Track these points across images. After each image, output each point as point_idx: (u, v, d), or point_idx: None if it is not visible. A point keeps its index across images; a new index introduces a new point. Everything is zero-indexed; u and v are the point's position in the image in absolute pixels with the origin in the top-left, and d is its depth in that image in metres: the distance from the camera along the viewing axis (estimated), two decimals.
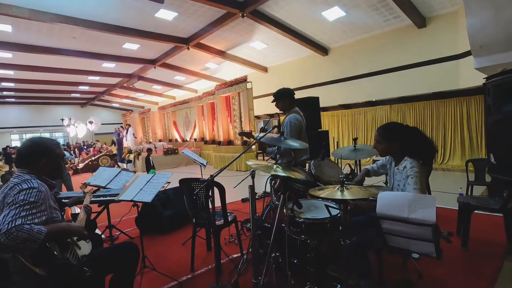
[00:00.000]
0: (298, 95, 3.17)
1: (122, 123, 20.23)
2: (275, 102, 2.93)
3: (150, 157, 8.20)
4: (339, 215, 1.76)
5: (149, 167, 7.78)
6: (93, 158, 12.66)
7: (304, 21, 8.34)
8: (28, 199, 1.33)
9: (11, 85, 14.61)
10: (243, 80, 10.47)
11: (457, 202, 2.86)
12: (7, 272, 1.33)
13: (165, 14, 8.04)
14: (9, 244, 1.18)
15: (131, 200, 2.24)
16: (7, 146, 15.80)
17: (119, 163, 12.30)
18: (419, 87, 7.84)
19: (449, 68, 7.06)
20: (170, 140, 16.57)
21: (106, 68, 12.87)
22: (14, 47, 9.22)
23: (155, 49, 10.96)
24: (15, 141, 21.50)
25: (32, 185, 1.40)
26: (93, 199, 2.70)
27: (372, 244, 1.69)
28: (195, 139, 14.65)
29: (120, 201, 2.48)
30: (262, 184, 2.41)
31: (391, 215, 1.40)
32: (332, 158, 3.39)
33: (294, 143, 2.09)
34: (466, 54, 6.41)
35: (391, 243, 1.51)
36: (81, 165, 12.19)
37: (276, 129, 2.23)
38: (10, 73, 12.37)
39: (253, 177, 2.14)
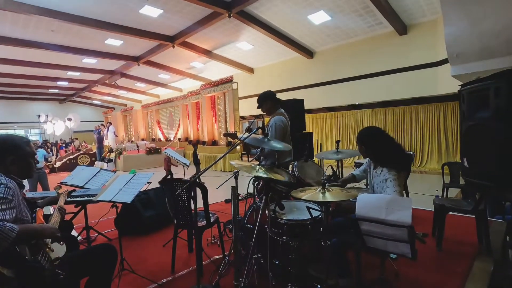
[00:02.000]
0: (283, 97, 3.19)
1: (103, 121, 19.65)
2: (260, 108, 2.94)
3: (197, 152, 8.15)
4: (320, 216, 1.78)
5: (196, 162, 7.75)
6: (71, 157, 12.21)
7: (290, 23, 8.42)
8: None
9: None
10: (229, 80, 10.43)
11: (433, 204, 2.97)
12: None
13: (150, 11, 7.88)
14: None
15: (110, 201, 2.17)
16: None
17: (99, 162, 11.91)
18: (400, 92, 8.10)
19: (428, 74, 7.33)
20: (153, 140, 16.25)
21: (87, 63, 12.45)
22: None
23: (139, 46, 10.73)
24: None
25: (0, 181, 1.33)
26: (69, 199, 2.60)
27: (351, 245, 1.73)
28: (179, 139, 14.44)
29: (98, 201, 2.40)
30: (246, 185, 2.40)
31: (369, 217, 1.44)
32: (316, 160, 3.43)
33: (278, 145, 2.10)
34: (444, 61, 6.69)
35: (370, 244, 1.55)
36: (58, 164, 11.72)
37: (260, 130, 2.23)
38: None
39: (236, 178, 2.13)
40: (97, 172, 3.05)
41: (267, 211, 1.89)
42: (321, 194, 1.50)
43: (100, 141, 12.93)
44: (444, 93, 7.11)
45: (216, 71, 12.96)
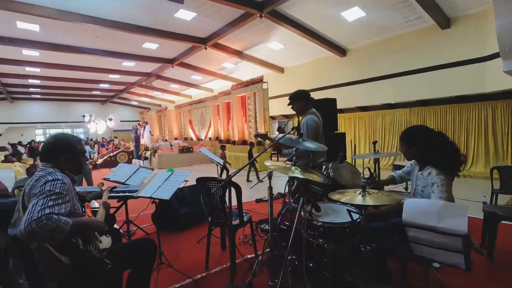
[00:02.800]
0: (314, 96, 3.12)
1: (139, 121, 20.75)
2: (291, 105, 2.90)
3: (252, 151, 8.56)
4: (358, 220, 1.72)
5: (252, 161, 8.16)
6: (111, 154, 13.03)
7: (322, 21, 8.25)
8: (53, 189, 1.38)
9: (37, 82, 15.25)
10: (259, 80, 10.48)
11: (482, 211, 2.73)
12: (33, 264, 1.38)
13: (184, 14, 8.15)
14: (39, 232, 1.22)
15: (150, 197, 2.28)
16: (32, 141, 16.51)
17: (136, 160, 12.59)
18: (441, 90, 7.58)
19: (474, 70, 6.77)
20: (186, 139, 16.81)
21: (126, 66, 13.20)
22: (41, 45, 9.62)
23: (173, 49, 11.15)
24: (39, 135, 22.46)
25: (56, 177, 1.45)
26: (112, 194, 2.77)
27: (393, 251, 1.64)
28: (210, 138, 14.79)
29: (138, 197, 2.53)
30: (277, 185, 2.39)
31: (418, 223, 1.35)
32: (350, 160, 3.32)
33: (312, 145, 2.07)
34: (494, 56, 6.14)
35: (416, 251, 1.46)
36: (100, 160, 12.57)
37: (294, 131, 2.20)
38: (36, 70, 12.92)
39: (270, 178, 2.13)
40: (137, 170, 3.22)
41: (302, 213, 1.86)
42: (361, 197, 1.44)
43: (137, 139, 13.65)
44: (493, 90, 6.51)
45: (246, 71, 13.09)
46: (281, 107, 12.53)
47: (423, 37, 7.73)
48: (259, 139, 10.77)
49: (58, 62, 11.85)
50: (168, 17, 8.23)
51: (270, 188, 1.79)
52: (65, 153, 1.60)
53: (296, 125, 2.45)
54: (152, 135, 15.14)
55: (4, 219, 1.61)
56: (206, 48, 10.23)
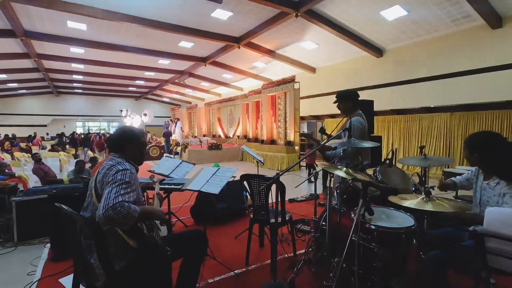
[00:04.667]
0: None
1: (170, 117, 21.47)
2: (337, 103, 2.86)
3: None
4: (414, 226, 1.66)
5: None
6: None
7: (360, 20, 8.03)
8: (124, 179, 1.48)
9: (80, 77, 16.33)
10: (291, 80, 10.42)
11: None
12: (105, 245, 1.49)
13: (221, 14, 8.30)
14: (114, 217, 1.33)
15: (198, 190, 2.36)
16: (74, 132, 17.70)
17: (167, 154, 13.06)
18: (488, 94, 7.08)
19: None
20: (214, 136, 17.14)
21: (161, 64, 13.72)
22: (86, 43, 10.27)
23: (207, 48, 11.39)
24: (79, 127, 24.02)
25: (125, 167, 1.55)
26: (161, 186, 2.91)
27: (461, 261, 1.55)
28: (238, 136, 14.97)
29: (184, 190, 2.63)
30: (306, 186, 2.36)
31: (504, 234, 1.27)
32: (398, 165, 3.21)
33: (366, 144, 2.02)
34: None
35: (494, 264, 1.37)
36: None
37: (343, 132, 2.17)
38: (80, 66, 13.81)
39: (315, 179, 2.13)
40: (180, 163, 3.34)
41: (352, 215, 1.84)
42: (425, 202, 1.39)
43: (167, 135, 14.15)
44: None
45: (277, 70, 13.08)
46: (311, 107, 12.39)
47: (470, 37, 7.26)
48: (289, 138, 10.73)
49: (100, 59, 12.59)
50: (205, 16, 8.43)
51: (329, 188, 1.78)
52: (130, 144, 1.71)
53: (325, 126, 2.41)
54: (182, 131, 15.60)
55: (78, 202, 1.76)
56: (239, 47, 10.34)
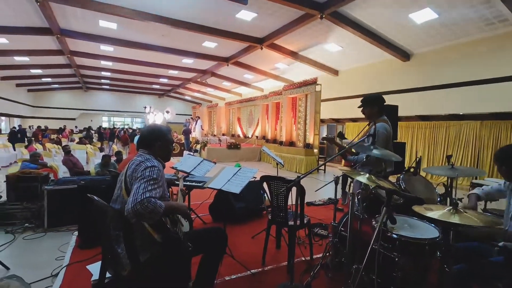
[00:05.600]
0: None
1: (191, 115, 21.90)
2: (362, 108, 2.81)
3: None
4: (438, 238, 1.62)
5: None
6: None
7: (387, 23, 7.83)
8: (152, 175, 1.55)
9: (108, 74, 17.04)
10: (313, 82, 10.34)
11: None
12: (132, 237, 1.57)
13: (245, 15, 8.37)
14: (141, 212, 1.40)
15: (220, 189, 2.42)
16: (100, 126, 18.52)
17: (187, 152, 13.34)
18: None
19: None
20: (233, 135, 17.30)
21: (185, 63, 14.04)
22: (116, 42, 10.71)
23: (230, 48, 11.52)
24: (105, 122, 25.08)
25: (153, 164, 1.63)
26: (184, 183, 3.00)
27: (486, 277, 1.50)
28: (256, 137, 15.03)
29: (204, 188, 2.69)
30: (326, 190, 2.34)
31: None
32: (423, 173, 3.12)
33: (390, 156, 1.99)
34: None
35: None
36: None
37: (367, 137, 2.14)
38: (109, 64, 14.42)
39: (336, 184, 2.11)
40: (201, 162, 3.43)
41: (374, 223, 1.81)
42: (451, 214, 1.35)
43: (186, 132, 14.44)
44: None
45: (298, 72, 12.99)
46: (332, 110, 12.21)
47: (505, 42, 6.89)
48: (308, 141, 10.65)
49: (127, 57, 13.07)
50: (229, 17, 8.53)
51: (352, 194, 1.77)
52: (158, 141, 1.79)
53: (345, 130, 2.37)
54: (202, 129, 15.87)
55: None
56: (262, 48, 10.38)
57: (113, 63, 14.15)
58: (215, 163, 3.39)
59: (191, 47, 11.67)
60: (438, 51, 8.40)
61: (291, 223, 2.56)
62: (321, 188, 2.67)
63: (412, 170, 2.40)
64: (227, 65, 12.99)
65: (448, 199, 2.29)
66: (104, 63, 14.34)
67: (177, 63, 14.12)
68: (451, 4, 6.44)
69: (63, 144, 9.23)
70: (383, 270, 1.96)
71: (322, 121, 12.88)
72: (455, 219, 1.31)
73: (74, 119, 22.67)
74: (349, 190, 4.96)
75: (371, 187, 1.87)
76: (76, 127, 20.72)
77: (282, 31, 9.08)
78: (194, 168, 3.30)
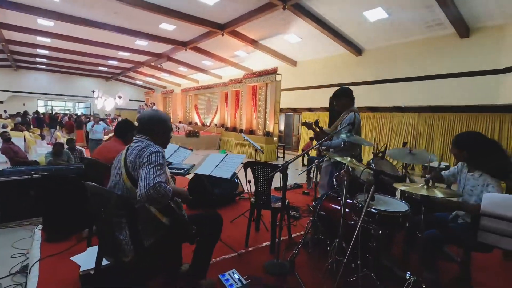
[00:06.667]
0: (325, 92, 3.27)
1: (144, 101, 20.63)
2: (334, 101, 3.05)
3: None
4: (409, 211, 1.92)
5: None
6: None
7: (344, 19, 8.33)
8: (158, 160, 1.54)
9: (45, 52, 15.02)
10: (273, 71, 10.57)
11: None
12: (136, 222, 1.55)
13: None
14: (154, 196, 1.40)
15: (209, 174, 2.45)
16: (37, 111, 16.37)
17: None
18: (452, 97, 7.80)
19: (489, 82, 6.99)
20: (190, 123, 16.87)
21: (138, 45, 13.08)
22: (57, 16, 9.47)
23: (189, 32, 11.07)
24: (41, 107, 22.18)
25: (158, 149, 1.61)
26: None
27: (455, 238, 1.85)
28: (215, 125, 14.90)
29: (186, 174, 2.69)
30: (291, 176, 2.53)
31: (498, 213, 1.56)
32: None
33: (364, 140, 2.25)
34: (509, 69, 6.36)
35: (481, 239, 1.67)
36: (105, 137, 12.59)
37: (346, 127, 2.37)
38: (47, 40, 12.72)
39: (318, 168, 2.31)
40: (177, 149, 3.37)
41: (354, 200, 2.05)
42: (426, 190, 1.63)
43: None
44: (506, 103, 6.75)
45: (258, 61, 13.07)
46: (290, 100, 12.64)
47: (441, 44, 7.89)
48: (268, 129, 10.94)
49: (70, 34, 11.71)
50: (191, 0, 8.19)
51: (311, 178, 1.97)
52: (158, 127, 1.76)
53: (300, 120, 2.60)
54: None
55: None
56: (223, 35, 10.20)
57: (52, 40, 12.53)
58: (192, 150, 3.36)
59: (146, 28, 10.93)
60: (386, 48, 9.24)
61: (278, 205, 2.73)
62: (302, 172, 2.85)
63: (380, 155, 2.74)
64: (185, 49, 12.49)
65: (407, 178, 2.67)
66: (40, 39, 12.61)
67: (129, 45, 13.10)
68: (399, 5, 7.12)
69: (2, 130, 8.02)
70: (361, 241, 2.25)
71: (281, 110, 13.29)
72: (437, 193, 1.59)
73: (1, 102, 19.65)
74: (313, 176, 5.34)
75: (350, 169, 2.09)
76: (5, 111, 17.98)
77: (245, 19, 9.03)
78: (171, 155, 3.24)
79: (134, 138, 1.77)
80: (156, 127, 1.75)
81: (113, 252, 1.59)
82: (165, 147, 1.84)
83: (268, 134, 10.89)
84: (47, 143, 9.90)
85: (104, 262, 1.69)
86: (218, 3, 8.37)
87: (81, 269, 1.82)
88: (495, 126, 7.51)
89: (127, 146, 1.71)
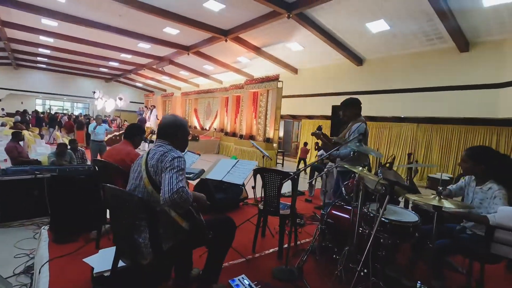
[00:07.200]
0: (325, 101, 3.33)
1: (143, 103, 20.61)
2: (341, 111, 3.11)
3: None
4: (418, 222, 1.97)
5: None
6: (116, 134, 13.02)
7: (346, 29, 8.48)
8: (180, 165, 1.57)
9: (47, 51, 15.00)
10: (275, 78, 10.66)
11: None
12: (157, 226, 1.57)
13: (213, 5, 8.23)
14: (178, 201, 1.43)
15: (221, 180, 2.47)
16: (36, 110, 16.27)
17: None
18: (451, 110, 7.93)
19: (488, 96, 7.13)
20: (189, 127, 16.86)
21: (141, 48, 13.15)
22: (62, 16, 9.52)
23: (193, 37, 11.17)
24: (39, 106, 22.01)
25: (179, 154, 1.64)
26: None
27: (467, 249, 1.90)
28: (215, 129, 14.92)
29: (196, 178, 2.71)
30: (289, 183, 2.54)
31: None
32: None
33: (372, 150, 2.30)
34: (509, 84, 6.50)
35: (494, 250, 1.72)
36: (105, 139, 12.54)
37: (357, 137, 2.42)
38: (50, 40, 12.73)
39: (327, 176, 2.36)
40: (185, 153, 3.38)
41: (365, 210, 2.09)
42: (437, 201, 1.67)
43: (142, 122, 13.66)
44: (505, 116, 6.88)
45: (259, 67, 13.19)
46: (290, 106, 12.73)
47: (441, 57, 8.05)
48: (268, 135, 10.98)
49: (74, 35, 11.74)
50: (196, 5, 8.29)
51: (313, 185, 2.01)
52: (179, 132, 1.79)
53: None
54: (158, 119, 15.16)
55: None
56: (226, 41, 10.31)
57: (55, 40, 12.54)
58: (199, 154, 3.39)
59: (150, 32, 11.01)
60: (387, 59, 9.40)
61: (288, 212, 2.76)
62: (313, 180, 2.89)
63: (387, 165, 2.79)
64: (188, 54, 12.57)
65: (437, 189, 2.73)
66: (43, 39, 12.61)
67: (131, 47, 13.15)
68: (401, 18, 7.28)
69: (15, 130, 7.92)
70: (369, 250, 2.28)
71: (281, 117, 13.37)
72: (448, 205, 1.63)
73: None
74: (315, 184, 5.38)
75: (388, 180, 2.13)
76: (2, 109, 17.82)
77: (248, 26, 9.15)
78: None
79: (154, 142, 1.80)
80: (179, 132, 1.79)
81: (131, 255, 1.60)
82: (183, 151, 1.87)
83: (268, 140, 10.95)
84: (45, 143, 9.84)
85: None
86: (223, 10, 8.48)
87: (95, 270, 1.83)
88: (492, 139, 7.63)
89: (148, 150, 1.74)
